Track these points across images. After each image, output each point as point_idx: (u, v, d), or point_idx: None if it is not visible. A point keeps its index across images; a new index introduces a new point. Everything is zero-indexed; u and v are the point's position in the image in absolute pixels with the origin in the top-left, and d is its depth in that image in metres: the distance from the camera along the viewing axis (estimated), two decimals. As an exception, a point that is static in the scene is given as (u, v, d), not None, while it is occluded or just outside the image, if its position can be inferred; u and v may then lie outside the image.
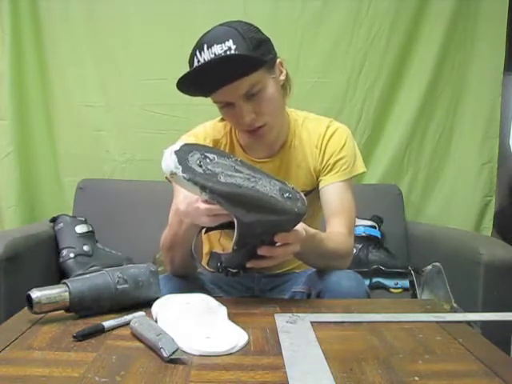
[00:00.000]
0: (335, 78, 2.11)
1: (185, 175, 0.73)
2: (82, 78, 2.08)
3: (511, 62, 2.15)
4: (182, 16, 2.06)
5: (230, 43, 0.95)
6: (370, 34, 2.09)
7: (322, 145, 1.14)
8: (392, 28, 2.08)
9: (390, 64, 2.11)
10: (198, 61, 0.98)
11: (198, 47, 0.98)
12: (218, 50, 0.95)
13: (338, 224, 1.10)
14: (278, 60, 1.07)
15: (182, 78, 0.95)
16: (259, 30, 1.02)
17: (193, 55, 1.00)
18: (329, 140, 1.14)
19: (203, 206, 0.81)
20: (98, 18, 2.06)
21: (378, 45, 2.09)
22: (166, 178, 1.11)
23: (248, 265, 0.87)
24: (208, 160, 0.76)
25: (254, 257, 0.85)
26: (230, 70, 0.95)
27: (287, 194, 0.82)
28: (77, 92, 2.09)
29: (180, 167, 0.73)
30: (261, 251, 0.85)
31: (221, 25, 1.00)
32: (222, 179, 0.76)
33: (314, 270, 1.09)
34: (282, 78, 1.08)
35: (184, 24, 2.05)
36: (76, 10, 2.05)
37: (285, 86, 1.10)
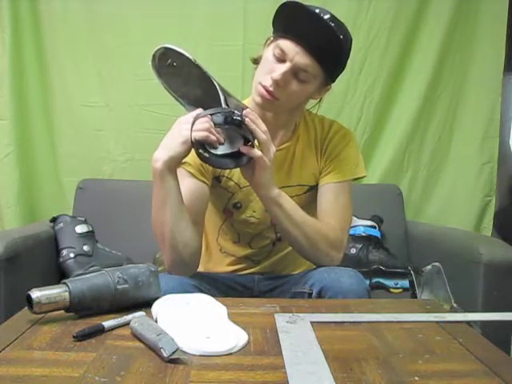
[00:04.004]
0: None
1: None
2: (81, 78, 2.08)
3: (511, 62, 2.15)
4: (182, 16, 2.06)
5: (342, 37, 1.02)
6: (370, 34, 2.09)
7: (328, 145, 1.17)
8: (392, 28, 2.08)
9: (390, 64, 2.11)
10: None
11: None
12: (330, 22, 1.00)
13: (329, 221, 1.11)
14: (330, 86, 1.13)
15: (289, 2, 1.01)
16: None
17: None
18: (335, 141, 1.17)
19: (184, 125, 0.96)
20: (97, 18, 2.06)
21: (377, 45, 2.09)
22: None
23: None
24: None
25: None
26: (319, 43, 1.00)
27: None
28: (77, 92, 2.09)
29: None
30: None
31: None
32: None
33: (313, 269, 1.10)
34: (318, 97, 1.15)
35: (184, 24, 2.05)
36: (76, 10, 2.05)
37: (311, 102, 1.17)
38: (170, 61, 0.99)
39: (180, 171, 1.07)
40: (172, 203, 0.99)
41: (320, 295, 1.02)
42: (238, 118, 0.97)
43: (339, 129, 1.19)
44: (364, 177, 1.20)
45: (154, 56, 1.00)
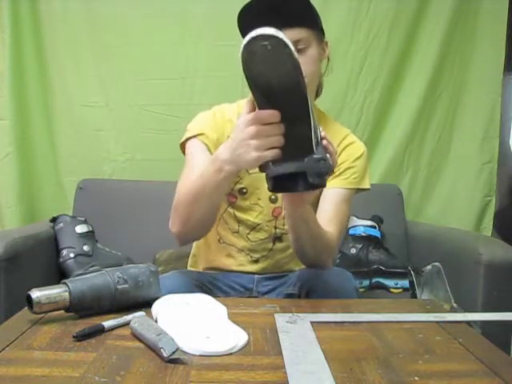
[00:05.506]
0: (335, 77, 2.10)
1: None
2: (81, 78, 2.08)
3: (511, 62, 2.15)
4: (182, 16, 2.06)
5: None
6: (370, 34, 2.09)
7: (338, 148, 1.16)
8: (392, 28, 2.08)
9: (390, 64, 2.11)
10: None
11: None
12: None
13: (329, 227, 1.11)
14: (326, 39, 1.13)
15: (246, 6, 1.01)
16: None
17: None
18: (347, 147, 1.18)
19: (253, 141, 0.84)
20: (97, 18, 2.06)
21: (377, 45, 2.09)
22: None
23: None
24: None
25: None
26: (291, 13, 0.99)
27: None
28: (77, 92, 2.09)
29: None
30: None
31: None
32: None
33: (302, 270, 1.11)
34: (326, 55, 1.15)
35: (184, 24, 2.06)
36: (76, 10, 2.05)
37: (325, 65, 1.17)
38: (266, 42, 0.80)
39: (196, 143, 1.06)
40: (214, 200, 1.00)
41: (308, 296, 1.02)
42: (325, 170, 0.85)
43: (356, 140, 1.20)
44: (368, 189, 1.21)
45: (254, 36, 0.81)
